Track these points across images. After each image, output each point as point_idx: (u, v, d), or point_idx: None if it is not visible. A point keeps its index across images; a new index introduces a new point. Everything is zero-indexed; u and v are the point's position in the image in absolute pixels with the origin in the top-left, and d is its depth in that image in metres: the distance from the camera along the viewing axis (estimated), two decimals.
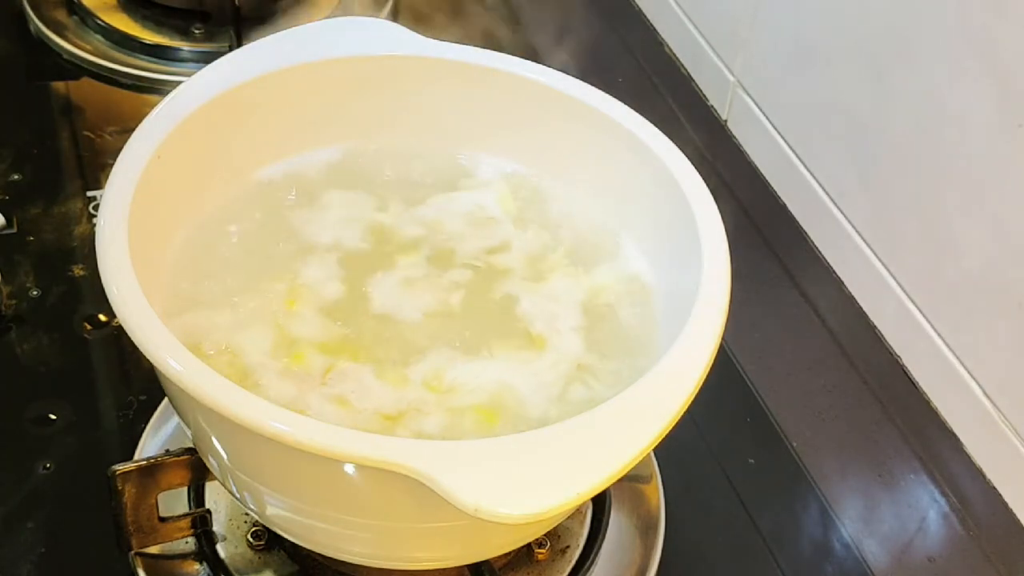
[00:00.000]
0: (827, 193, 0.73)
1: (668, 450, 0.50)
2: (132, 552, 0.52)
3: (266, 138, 0.54)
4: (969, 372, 0.63)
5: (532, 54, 0.90)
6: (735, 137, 0.83)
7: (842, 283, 0.73)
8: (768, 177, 0.79)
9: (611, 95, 0.54)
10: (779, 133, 0.78)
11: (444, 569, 0.52)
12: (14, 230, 0.70)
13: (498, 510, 0.36)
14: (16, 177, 0.74)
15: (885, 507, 0.62)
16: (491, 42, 0.51)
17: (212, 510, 0.53)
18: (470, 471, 0.37)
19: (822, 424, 0.66)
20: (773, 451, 0.64)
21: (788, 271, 0.74)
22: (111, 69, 0.83)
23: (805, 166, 0.75)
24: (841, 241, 0.72)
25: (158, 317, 0.41)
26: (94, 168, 0.75)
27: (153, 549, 0.52)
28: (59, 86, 0.83)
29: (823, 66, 0.72)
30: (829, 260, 0.74)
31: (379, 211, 0.54)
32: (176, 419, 0.58)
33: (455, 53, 0.55)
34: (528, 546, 0.54)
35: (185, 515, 0.52)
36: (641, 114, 0.53)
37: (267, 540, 0.53)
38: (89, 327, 0.65)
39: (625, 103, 0.54)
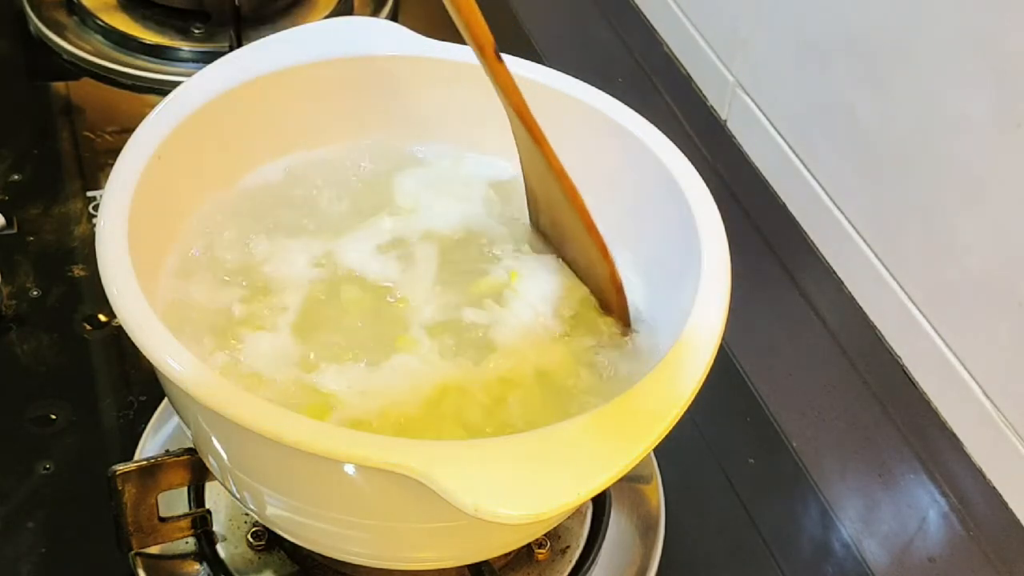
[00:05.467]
0: (827, 193, 0.73)
1: (668, 450, 0.50)
2: (132, 552, 0.52)
3: (266, 138, 0.54)
4: (969, 372, 0.63)
5: (532, 54, 0.90)
6: (735, 137, 0.83)
7: (842, 283, 0.73)
8: (768, 177, 0.79)
9: (611, 95, 0.54)
10: (779, 133, 0.78)
11: (444, 569, 0.52)
12: (14, 230, 0.70)
13: (498, 510, 0.36)
14: (16, 177, 0.74)
15: (885, 507, 0.62)
16: None
17: (212, 510, 0.53)
18: (470, 471, 0.37)
19: (822, 424, 0.66)
20: (773, 451, 0.64)
21: (788, 271, 0.74)
22: (111, 69, 0.83)
23: (805, 166, 0.75)
24: (841, 241, 0.72)
25: (158, 317, 0.41)
26: (94, 168, 0.75)
27: (153, 549, 0.52)
28: (59, 86, 0.83)
29: (823, 66, 0.72)
30: (829, 260, 0.74)
31: (378, 210, 0.54)
32: (176, 419, 0.58)
33: (455, 53, 0.55)
34: (528, 546, 0.54)
35: (185, 515, 0.52)
36: (641, 114, 0.53)
37: (267, 540, 0.53)
38: (89, 327, 0.65)
39: (625, 103, 0.54)
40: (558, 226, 0.51)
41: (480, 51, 0.44)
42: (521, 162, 0.51)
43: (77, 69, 0.83)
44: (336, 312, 0.49)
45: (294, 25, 0.57)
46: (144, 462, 0.49)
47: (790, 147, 0.77)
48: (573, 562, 0.54)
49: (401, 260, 0.52)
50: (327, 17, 0.88)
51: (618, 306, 0.49)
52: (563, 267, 0.52)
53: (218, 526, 0.53)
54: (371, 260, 0.52)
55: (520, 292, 0.51)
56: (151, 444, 0.58)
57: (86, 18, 0.86)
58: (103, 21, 0.85)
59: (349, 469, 0.40)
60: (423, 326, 0.49)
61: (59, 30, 0.85)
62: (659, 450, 0.50)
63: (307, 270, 0.51)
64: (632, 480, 0.59)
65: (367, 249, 0.52)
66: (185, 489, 0.53)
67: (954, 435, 0.65)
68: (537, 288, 0.51)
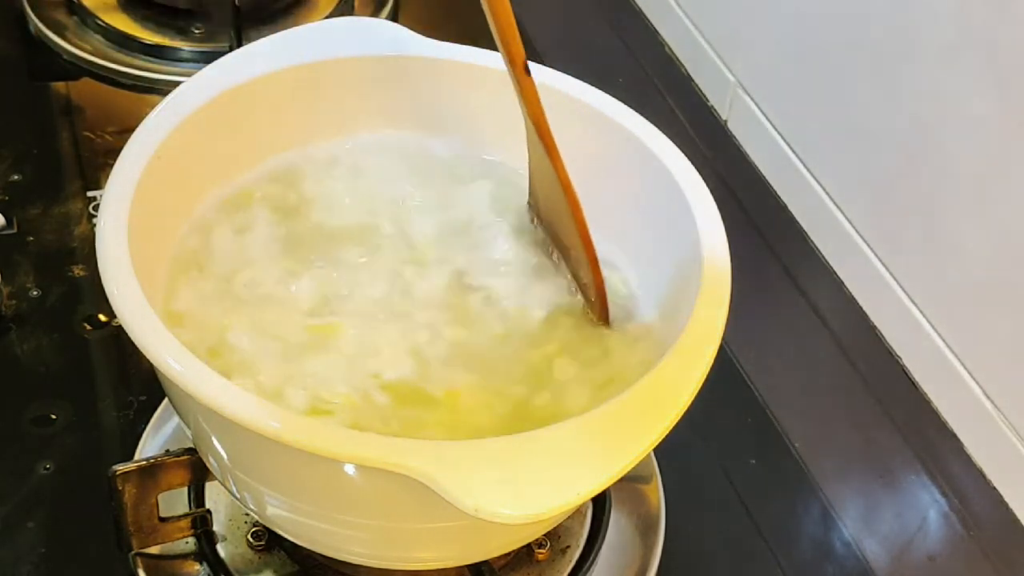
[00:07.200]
0: (827, 193, 0.73)
1: (668, 450, 0.50)
2: (132, 552, 0.52)
3: (266, 138, 0.54)
4: (969, 372, 0.63)
5: (532, 54, 0.90)
6: (735, 137, 0.83)
7: (842, 283, 0.73)
8: (768, 177, 0.79)
9: (611, 95, 0.54)
10: (779, 133, 0.78)
11: (444, 569, 0.52)
12: (14, 230, 0.70)
13: (498, 511, 0.36)
14: (16, 177, 0.74)
15: (885, 507, 0.62)
16: (491, 42, 0.51)
17: (212, 510, 0.53)
18: (470, 471, 0.37)
19: (822, 424, 0.66)
20: (773, 451, 0.64)
21: (788, 271, 0.74)
22: (111, 69, 0.83)
23: (805, 166, 0.75)
24: (841, 241, 0.72)
25: (158, 317, 0.41)
26: (94, 168, 0.75)
27: (153, 549, 0.52)
28: (59, 86, 0.83)
29: (823, 66, 0.72)
30: (829, 260, 0.74)
31: (374, 211, 0.54)
32: (176, 419, 0.58)
33: (455, 53, 0.55)
34: (528, 546, 0.54)
35: (185, 515, 0.52)
36: (641, 114, 0.53)
37: (267, 540, 0.53)
38: (89, 327, 0.65)
39: (625, 103, 0.54)
40: (554, 227, 0.51)
41: (511, 65, 0.46)
42: (530, 164, 0.51)
43: (77, 69, 0.83)
44: (338, 304, 0.49)
45: (294, 25, 0.57)
46: (144, 462, 0.49)
47: (790, 147, 0.77)
48: (573, 562, 0.54)
49: (405, 254, 0.52)
50: (327, 17, 0.88)
51: (600, 312, 0.50)
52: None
53: (218, 526, 0.53)
54: (373, 255, 0.52)
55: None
56: (151, 444, 0.58)
57: (86, 18, 0.86)
58: (103, 21, 0.85)
59: (349, 469, 0.40)
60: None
61: (59, 30, 0.85)
62: (659, 450, 0.50)
63: (310, 266, 0.51)
64: (632, 480, 0.59)
65: (369, 245, 0.52)
66: (185, 489, 0.53)
67: (954, 435, 0.65)
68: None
